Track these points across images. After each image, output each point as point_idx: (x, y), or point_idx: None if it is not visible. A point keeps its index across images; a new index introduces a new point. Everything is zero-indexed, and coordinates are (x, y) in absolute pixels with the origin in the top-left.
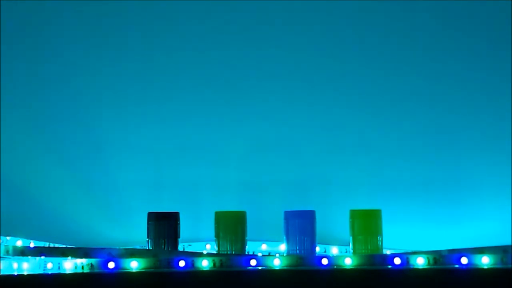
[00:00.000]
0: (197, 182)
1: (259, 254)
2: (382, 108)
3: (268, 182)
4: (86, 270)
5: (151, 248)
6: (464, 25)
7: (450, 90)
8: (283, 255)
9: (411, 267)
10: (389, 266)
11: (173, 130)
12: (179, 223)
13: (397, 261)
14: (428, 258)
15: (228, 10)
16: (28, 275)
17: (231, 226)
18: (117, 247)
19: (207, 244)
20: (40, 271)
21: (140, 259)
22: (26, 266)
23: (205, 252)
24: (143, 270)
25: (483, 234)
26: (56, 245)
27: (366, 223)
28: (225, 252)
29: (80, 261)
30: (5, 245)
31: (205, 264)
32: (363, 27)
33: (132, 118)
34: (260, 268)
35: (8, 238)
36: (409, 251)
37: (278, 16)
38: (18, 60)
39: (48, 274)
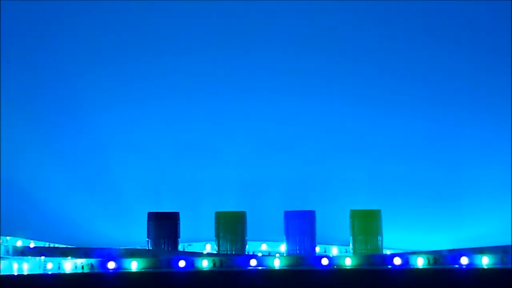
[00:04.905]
0: (197, 182)
1: (259, 254)
2: (382, 108)
3: (268, 182)
4: (86, 270)
5: (151, 248)
6: (465, 27)
7: (450, 90)
8: (283, 255)
9: (411, 267)
10: (389, 266)
11: (173, 130)
12: (179, 223)
13: (397, 261)
14: (428, 258)
15: (228, 10)
16: (28, 275)
17: (231, 226)
18: (117, 247)
19: (207, 244)
20: (40, 271)
21: (140, 259)
22: (26, 266)
23: (205, 252)
24: (143, 270)
25: (483, 234)
26: (56, 245)
27: (366, 223)
28: (225, 252)
29: (80, 261)
30: (5, 245)
31: (205, 264)
32: (363, 28)
33: (132, 118)
34: (260, 268)
35: (8, 238)
36: (409, 251)
37: (278, 16)
38: (18, 60)
39: (48, 274)
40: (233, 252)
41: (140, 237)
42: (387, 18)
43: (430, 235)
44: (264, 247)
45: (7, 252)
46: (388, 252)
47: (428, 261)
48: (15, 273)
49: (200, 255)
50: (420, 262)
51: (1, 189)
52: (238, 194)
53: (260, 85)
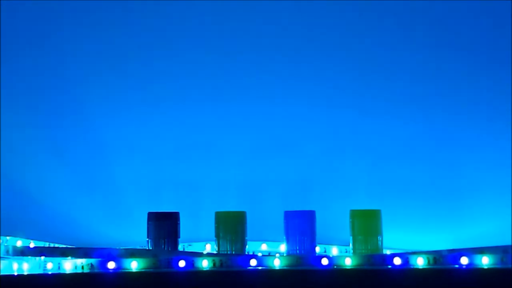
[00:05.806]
0: (197, 182)
1: (259, 254)
2: (382, 108)
3: (268, 182)
4: (86, 270)
5: (151, 248)
6: (465, 27)
7: (450, 90)
8: (283, 255)
9: (411, 267)
10: (389, 266)
11: (173, 130)
12: (179, 223)
13: (397, 261)
14: (428, 258)
15: (228, 11)
16: (28, 275)
17: (231, 226)
18: (117, 247)
19: (207, 244)
20: (40, 271)
21: (140, 259)
22: (26, 266)
23: (205, 252)
24: (143, 270)
25: (483, 234)
26: (56, 245)
27: (366, 223)
28: (225, 252)
29: (80, 261)
30: (5, 245)
31: (205, 264)
32: (364, 30)
33: (132, 118)
34: (260, 268)
35: (8, 238)
36: (409, 251)
37: (278, 17)
38: (19, 60)
39: (48, 274)
40: (233, 252)
41: (140, 237)
42: (387, 20)
43: (430, 235)
44: (264, 247)
45: (7, 252)
46: (388, 252)
47: (428, 261)
48: (15, 273)
49: (200, 255)
50: (420, 262)
51: (1, 189)
52: (238, 194)
53: (260, 85)
